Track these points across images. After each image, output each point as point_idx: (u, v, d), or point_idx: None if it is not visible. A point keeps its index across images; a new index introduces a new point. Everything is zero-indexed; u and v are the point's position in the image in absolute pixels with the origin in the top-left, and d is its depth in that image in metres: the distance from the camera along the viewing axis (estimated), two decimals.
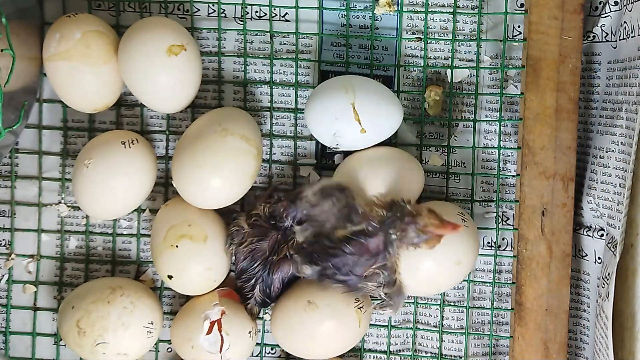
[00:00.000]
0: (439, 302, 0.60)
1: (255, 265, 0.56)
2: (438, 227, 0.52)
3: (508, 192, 0.60)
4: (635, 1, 0.54)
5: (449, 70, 0.59)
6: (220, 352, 0.55)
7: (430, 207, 0.53)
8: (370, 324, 0.60)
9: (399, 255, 0.53)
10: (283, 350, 0.60)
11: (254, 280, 0.56)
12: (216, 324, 0.56)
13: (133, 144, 0.56)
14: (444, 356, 0.60)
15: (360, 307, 0.56)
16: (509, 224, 0.60)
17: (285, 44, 0.60)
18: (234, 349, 0.56)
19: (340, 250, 0.53)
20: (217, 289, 0.58)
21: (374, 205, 0.53)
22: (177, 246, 0.55)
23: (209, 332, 0.55)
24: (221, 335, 0.55)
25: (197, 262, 0.56)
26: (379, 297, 0.55)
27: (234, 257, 0.57)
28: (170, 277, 0.56)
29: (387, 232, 0.52)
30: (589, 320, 0.59)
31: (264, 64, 0.60)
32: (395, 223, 0.52)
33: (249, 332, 0.57)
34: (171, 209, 0.57)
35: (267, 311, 0.60)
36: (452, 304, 0.60)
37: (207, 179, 0.54)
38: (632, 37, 0.55)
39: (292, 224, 0.55)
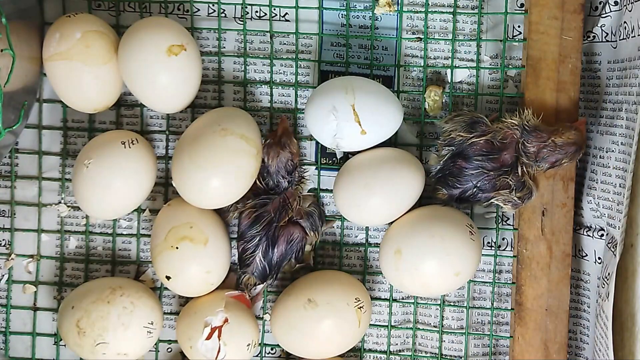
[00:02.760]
0: (439, 302, 0.60)
1: (260, 227, 0.56)
2: (580, 134, 0.55)
3: None
4: (635, 1, 0.54)
5: (449, 70, 0.60)
6: (216, 359, 0.55)
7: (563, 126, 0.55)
8: (370, 324, 0.60)
9: (530, 161, 0.55)
10: (283, 350, 0.60)
11: (257, 239, 0.56)
12: (217, 330, 0.55)
13: (133, 143, 0.56)
14: (444, 356, 0.60)
15: (361, 307, 0.56)
16: (509, 224, 0.60)
17: (285, 44, 0.60)
18: (231, 358, 0.56)
19: (480, 170, 0.55)
20: (228, 292, 0.58)
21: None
22: (177, 247, 0.55)
23: (209, 337, 0.55)
24: (219, 343, 0.55)
25: (197, 265, 0.56)
26: (511, 201, 0.56)
27: (230, 218, 0.58)
28: (168, 277, 0.56)
29: (524, 141, 0.55)
30: (589, 320, 0.59)
31: (264, 64, 0.60)
32: (532, 135, 0.55)
33: (248, 345, 0.56)
34: (173, 209, 0.57)
35: (267, 311, 0.60)
36: (452, 304, 0.60)
37: (207, 179, 0.54)
38: (632, 37, 0.55)
39: (287, 174, 0.57)
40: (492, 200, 0.56)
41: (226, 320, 0.56)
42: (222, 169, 0.54)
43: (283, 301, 0.57)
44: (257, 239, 0.56)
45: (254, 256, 0.56)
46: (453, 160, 0.56)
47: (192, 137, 0.55)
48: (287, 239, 0.57)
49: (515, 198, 0.56)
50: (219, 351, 0.55)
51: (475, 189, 0.55)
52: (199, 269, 0.56)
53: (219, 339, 0.55)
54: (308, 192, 0.59)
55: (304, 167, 0.59)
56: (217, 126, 0.55)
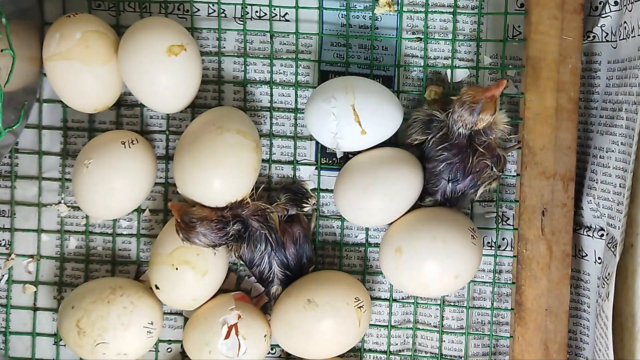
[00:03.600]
0: (439, 302, 0.60)
1: (262, 245, 0.56)
2: (484, 92, 0.54)
3: (508, 192, 0.60)
4: (636, 1, 0.54)
5: (449, 70, 0.60)
6: (238, 355, 0.55)
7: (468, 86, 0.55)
8: (370, 324, 0.60)
9: (491, 136, 0.55)
10: (283, 350, 0.60)
11: (267, 257, 0.56)
12: (233, 328, 0.56)
13: (133, 144, 0.56)
14: (444, 356, 0.60)
15: (360, 307, 0.56)
16: (509, 224, 0.60)
17: (285, 44, 0.60)
18: (251, 352, 0.56)
19: (445, 163, 0.55)
20: (230, 293, 0.58)
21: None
22: (177, 269, 0.55)
23: (227, 336, 0.55)
24: (238, 339, 0.55)
25: (188, 290, 0.56)
26: (493, 177, 0.56)
27: (236, 257, 0.57)
28: (157, 287, 0.56)
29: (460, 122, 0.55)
30: (589, 320, 0.59)
31: (264, 64, 0.60)
32: (456, 114, 0.54)
33: (265, 336, 0.57)
34: None
35: (267, 311, 0.60)
36: (452, 304, 0.60)
37: (210, 178, 0.54)
38: (632, 37, 0.55)
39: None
40: (480, 188, 0.56)
41: (240, 317, 0.56)
42: (224, 166, 0.54)
43: (283, 302, 0.57)
44: (267, 256, 0.56)
45: (272, 271, 0.57)
46: (424, 167, 0.56)
47: (190, 139, 0.55)
48: (292, 240, 0.57)
49: (497, 172, 0.56)
50: (239, 347, 0.55)
51: (450, 184, 0.56)
52: (189, 294, 0.56)
53: (237, 335, 0.55)
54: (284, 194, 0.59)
55: (241, 198, 0.56)
56: (212, 125, 0.55)
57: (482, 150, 0.55)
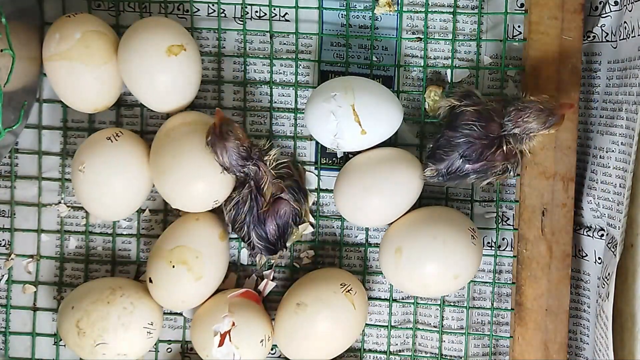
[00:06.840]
0: (439, 302, 0.60)
1: (243, 216, 0.56)
2: (563, 108, 0.54)
3: (508, 192, 0.60)
4: (636, 1, 0.54)
5: (449, 70, 0.60)
6: None
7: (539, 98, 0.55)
8: (371, 324, 0.60)
9: (517, 132, 0.55)
10: None
11: (245, 227, 0.56)
12: (227, 335, 0.55)
13: (118, 136, 0.56)
14: (444, 356, 0.60)
15: (349, 290, 0.56)
16: (509, 224, 0.60)
17: (285, 44, 0.60)
18: (246, 357, 0.55)
19: (466, 139, 0.54)
20: (232, 293, 0.58)
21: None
22: (173, 266, 0.55)
23: (220, 344, 0.55)
24: (232, 348, 0.55)
25: (179, 291, 0.56)
26: (503, 171, 0.55)
27: (225, 211, 0.57)
28: (150, 280, 0.56)
29: (505, 108, 0.55)
30: (589, 320, 0.59)
31: (264, 64, 0.60)
32: (513, 112, 0.54)
33: (261, 341, 0.56)
34: (196, 226, 0.57)
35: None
36: (452, 304, 0.60)
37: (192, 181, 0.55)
38: (632, 37, 0.55)
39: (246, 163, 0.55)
40: (481, 176, 0.56)
41: (233, 324, 0.55)
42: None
43: (280, 314, 0.57)
44: (246, 226, 0.56)
45: (252, 241, 0.56)
46: (442, 133, 0.56)
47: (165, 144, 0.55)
48: (274, 216, 0.56)
49: (508, 166, 0.55)
50: (234, 354, 0.55)
51: (461, 159, 0.55)
52: (179, 295, 0.56)
53: (231, 342, 0.55)
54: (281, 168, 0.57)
55: (260, 143, 0.56)
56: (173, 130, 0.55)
57: (506, 147, 0.55)
